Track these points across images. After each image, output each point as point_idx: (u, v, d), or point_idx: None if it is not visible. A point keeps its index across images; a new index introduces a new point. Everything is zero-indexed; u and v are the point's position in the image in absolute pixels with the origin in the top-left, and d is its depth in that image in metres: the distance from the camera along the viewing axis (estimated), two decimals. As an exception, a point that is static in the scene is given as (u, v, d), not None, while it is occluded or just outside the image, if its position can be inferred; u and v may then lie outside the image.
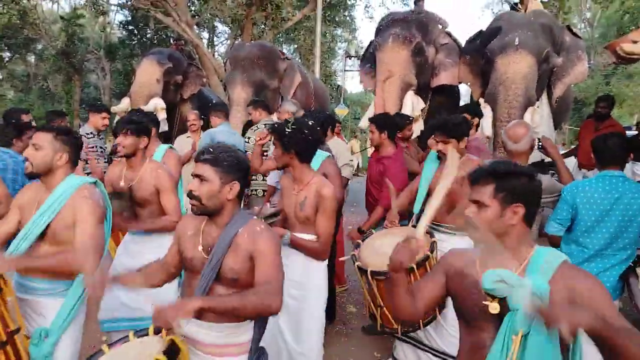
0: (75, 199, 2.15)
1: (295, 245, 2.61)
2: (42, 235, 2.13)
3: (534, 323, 1.36)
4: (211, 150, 1.80)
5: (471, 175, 1.56)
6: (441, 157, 3.08)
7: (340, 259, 3.24)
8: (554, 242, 2.73)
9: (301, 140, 2.55)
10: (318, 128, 2.72)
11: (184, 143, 5.34)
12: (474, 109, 4.25)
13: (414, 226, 2.98)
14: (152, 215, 2.90)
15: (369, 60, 6.51)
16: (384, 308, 2.60)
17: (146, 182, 2.89)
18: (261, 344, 1.88)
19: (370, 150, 11.91)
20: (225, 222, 1.82)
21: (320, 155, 3.42)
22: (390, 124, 3.85)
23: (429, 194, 3.13)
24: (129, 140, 2.90)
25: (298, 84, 7.08)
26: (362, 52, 17.50)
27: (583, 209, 2.58)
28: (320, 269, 2.73)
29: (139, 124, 2.97)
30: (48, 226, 2.12)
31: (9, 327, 2.01)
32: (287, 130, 2.55)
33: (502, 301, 1.44)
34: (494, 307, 1.45)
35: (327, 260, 2.76)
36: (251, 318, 1.79)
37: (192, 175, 1.80)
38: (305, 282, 2.65)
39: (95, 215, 2.15)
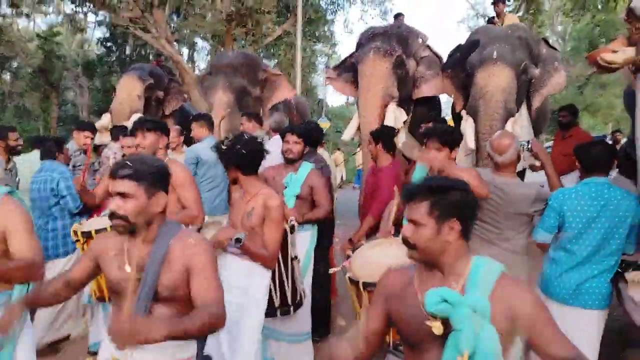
0: None
1: (245, 249, 2.63)
2: None
3: (480, 343, 1.34)
4: (129, 163, 1.69)
5: (405, 193, 1.53)
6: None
7: (331, 270, 3.21)
8: (543, 249, 2.75)
9: (237, 155, 2.65)
10: (259, 140, 2.81)
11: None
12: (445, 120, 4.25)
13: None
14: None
15: (348, 69, 6.55)
16: None
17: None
18: None
19: (356, 161, 11.74)
20: (152, 237, 1.73)
21: (305, 167, 3.43)
22: (385, 135, 3.91)
23: None
24: (149, 140, 2.88)
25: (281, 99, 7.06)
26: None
27: (570, 216, 2.61)
28: (264, 277, 2.76)
29: (157, 122, 2.96)
30: None
31: None
32: (222, 147, 2.69)
33: (445, 321, 1.39)
34: (438, 328, 1.40)
35: (270, 271, 2.79)
36: (198, 337, 1.73)
37: (112, 193, 1.69)
38: (248, 288, 2.68)
39: (26, 224, 2.03)
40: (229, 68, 6.57)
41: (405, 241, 1.50)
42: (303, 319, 3.29)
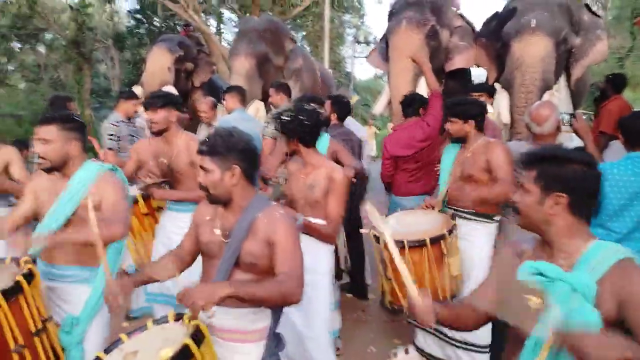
0: (96, 186, 2.14)
1: (306, 229, 2.58)
2: (67, 223, 2.12)
3: (573, 324, 1.24)
4: (207, 139, 1.78)
5: (523, 157, 1.49)
6: (451, 139, 3.05)
7: (361, 231, 3.23)
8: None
9: (300, 126, 2.56)
10: (320, 110, 2.71)
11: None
12: (486, 88, 4.16)
13: (440, 210, 2.97)
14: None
15: (382, 41, 6.40)
16: (393, 281, 2.60)
17: (183, 154, 2.94)
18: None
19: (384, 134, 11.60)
20: (242, 207, 1.81)
21: (325, 137, 3.38)
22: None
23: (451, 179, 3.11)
24: (160, 115, 2.91)
25: (304, 70, 6.91)
26: (371, 38, 17.25)
27: (611, 192, 2.52)
28: (328, 253, 2.74)
29: (166, 97, 2.98)
30: (72, 215, 2.11)
31: (43, 315, 2.01)
32: (284, 118, 2.57)
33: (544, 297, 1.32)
34: (535, 303, 1.33)
35: (333, 245, 2.78)
36: (272, 307, 1.78)
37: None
38: (316, 267, 2.64)
39: (119, 193, 2.16)
40: (253, 33, 6.45)
41: (513, 204, 1.49)
42: (335, 287, 3.32)
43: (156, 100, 2.94)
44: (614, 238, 2.53)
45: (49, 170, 2.15)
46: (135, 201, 3.17)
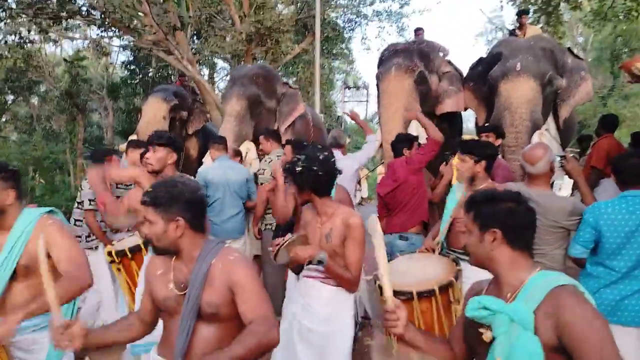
0: (39, 229, 2.09)
1: (329, 271, 2.47)
2: (13, 276, 2.07)
3: (515, 352, 1.34)
4: (150, 190, 1.74)
5: (464, 204, 1.64)
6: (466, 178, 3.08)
7: (363, 277, 3.19)
8: (580, 264, 2.69)
9: (314, 177, 2.48)
10: (332, 159, 2.65)
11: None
12: (498, 129, 4.24)
13: (441, 254, 2.96)
14: None
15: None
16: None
17: None
18: None
19: (378, 178, 11.63)
20: (193, 256, 1.75)
21: None
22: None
23: (451, 225, 3.12)
24: (159, 154, 2.89)
25: (298, 115, 7.05)
26: (360, 83, 17.68)
27: (607, 231, 2.54)
28: (348, 301, 2.62)
29: (169, 138, 2.96)
30: (17, 265, 2.06)
31: None
32: (297, 169, 2.49)
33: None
34: (487, 336, 1.44)
35: (354, 295, 2.66)
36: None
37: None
38: (332, 316, 2.54)
39: (67, 237, 2.11)
40: (245, 78, 6.63)
41: (464, 246, 1.66)
42: None
43: (158, 138, 2.93)
44: (615, 277, 2.54)
45: None
46: (138, 249, 3.14)
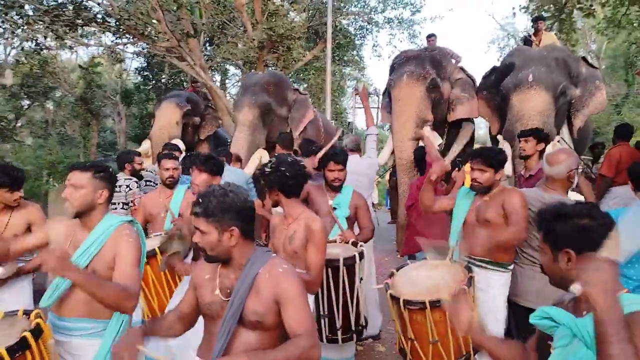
0: (115, 238, 2.15)
1: None
2: None
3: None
4: (200, 200, 1.73)
5: (536, 219, 1.58)
6: (475, 188, 3.06)
7: (373, 287, 3.19)
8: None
9: (280, 177, 2.61)
10: (301, 163, 2.77)
11: None
12: (541, 134, 4.12)
13: (454, 262, 2.94)
14: None
15: (386, 96, 6.58)
16: (415, 342, 2.54)
17: None
18: None
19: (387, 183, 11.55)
20: (241, 264, 1.78)
21: (348, 189, 3.45)
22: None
23: (464, 226, 3.10)
24: (203, 177, 3.01)
25: (309, 121, 7.10)
26: (371, 90, 17.74)
27: (624, 239, 2.51)
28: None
29: (215, 164, 3.07)
30: (87, 266, 2.11)
31: None
32: (266, 170, 2.63)
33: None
34: (553, 348, 1.40)
35: (314, 297, 2.74)
36: None
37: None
38: None
39: (134, 255, 2.15)
40: (256, 86, 6.68)
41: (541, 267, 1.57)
42: (350, 344, 3.25)
43: (204, 165, 3.06)
44: (632, 285, 2.51)
45: (74, 216, 2.16)
46: (154, 254, 3.16)
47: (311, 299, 2.72)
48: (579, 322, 1.34)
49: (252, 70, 10.26)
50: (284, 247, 2.67)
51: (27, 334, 1.86)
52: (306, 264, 2.61)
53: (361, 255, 2.97)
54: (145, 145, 6.96)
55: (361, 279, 3.02)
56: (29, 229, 3.12)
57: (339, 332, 2.96)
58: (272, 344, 1.67)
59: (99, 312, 2.09)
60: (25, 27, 9.77)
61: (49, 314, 2.19)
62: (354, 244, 3.16)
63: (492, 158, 2.95)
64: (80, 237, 2.18)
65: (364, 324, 3.07)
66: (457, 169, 4.79)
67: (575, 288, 1.26)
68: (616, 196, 4.76)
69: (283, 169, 2.63)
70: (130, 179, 4.89)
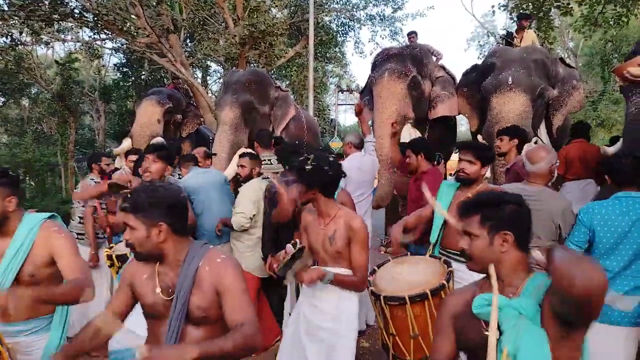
0: (44, 237, 2.11)
1: (337, 283, 2.58)
2: (16, 281, 2.08)
3: (523, 344, 1.37)
4: (130, 195, 1.72)
5: (459, 208, 1.61)
6: (461, 178, 3.11)
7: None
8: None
9: (323, 176, 2.56)
10: (339, 162, 2.75)
11: None
12: (512, 131, 4.21)
13: (432, 256, 2.98)
14: None
15: (367, 93, 6.61)
16: (396, 337, 2.58)
17: None
18: None
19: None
20: (179, 260, 1.75)
21: None
22: (426, 146, 4.08)
23: (445, 222, 3.14)
24: (157, 166, 2.91)
25: (291, 118, 7.08)
26: (353, 87, 17.75)
27: (601, 231, 2.59)
28: (353, 301, 2.71)
29: (169, 151, 3.05)
30: (20, 272, 2.08)
31: None
32: (307, 167, 2.55)
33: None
34: (492, 334, 1.44)
35: (359, 294, 2.74)
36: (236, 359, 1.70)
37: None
38: (339, 315, 2.63)
39: (71, 246, 2.13)
40: (237, 85, 6.64)
41: (463, 252, 1.61)
42: None
43: (158, 152, 3.06)
44: (608, 276, 2.58)
45: None
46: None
47: (355, 301, 2.70)
48: (520, 302, 1.44)
49: (234, 68, 10.17)
50: (324, 248, 2.64)
51: None
52: (352, 265, 2.60)
53: None
54: (126, 144, 6.86)
55: None
56: None
57: None
58: (221, 336, 1.64)
59: (41, 310, 2.12)
60: (0, 23, 9.53)
61: None
62: None
63: (481, 151, 3.04)
64: (3, 245, 2.11)
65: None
66: (436, 162, 4.85)
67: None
68: (569, 191, 5.08)
69: (326, 167, 2.57)
70: (98, 180, 4.85)
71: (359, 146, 4.98)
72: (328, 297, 2.66)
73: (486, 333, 1.46)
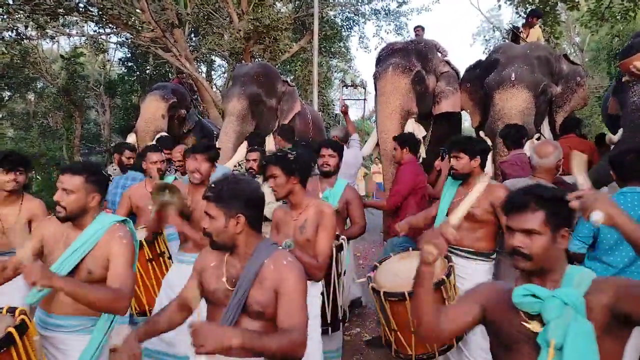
0: (107, 238, 2.15)
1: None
2: (71, 274, 2.11)
3: (570, 335, 1.35)
4: (213, 185, 1.78)
5: (513, 201, 1.52)
6: (453, 175, 3.11)
7: (357, 281, 3.23)
8: (578, 260, 2.72)
9: (305, 165, 2.63)
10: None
11: None
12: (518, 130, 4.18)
13: None
14: None
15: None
16: (398, 332, 2.60)
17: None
18: None
19: (376, 176, 11.73)
20: (247, 254, 1.80)
21: (341, 182, 3.49)
22: (413, 141, 4.23)
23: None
24: (206, 165, 3.04)
25: (297, 112, 7.10)
26: (358, 82, 17.70)
27: (605, 227, 2.57)
28: (317, 296, 2.73)
29: (216, 150, 3.12)
30: (78, 265, 2.11)
31: None
32: (290, 156, 2.62)
33: (541, 320, 1.44)
34: (536, 326, 1.44)
35: (321, 283, 2.77)
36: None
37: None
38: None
39: (127, 257, 2.15)
40: (245, 77, 6.70)
41: (516, 251, 1.50)
42: (337, 335, 3.29)
43: (207, 152, 3.10)
44: (612, 272, 2.57)
45: (63, 220, 2.15)
46: (140, 247, 3.16)
47: (317, 304, 2.73)
48: (565, 292, 1.41)
49: (242, 62, 10.18)
50: (295, 239, 2.66)
51: (12, 330, 1.87)
52: (315, 250, 2.61)
53: (339, 248, 2.98)
54: (131, 139, 6.88)
55: (342, 272, 3.03)
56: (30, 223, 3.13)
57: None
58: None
59: (87, 310, 2.09)
60: (5, 17, 9.56)
61: (37, 311, 2.20)
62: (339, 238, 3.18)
63: (465, 144, 3.02)
64: (72, 236, 2.17)
65: (341, 317, 3.09)
66: (440, 158, 4.85)
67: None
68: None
69: (306, 157, 2.67)
70: (116, 169, 4.88)
71: (344, 139, 5.08)
72: None
73: (526, 325, 1.45)
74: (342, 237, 3.11)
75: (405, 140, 4.22)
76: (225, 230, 1.76)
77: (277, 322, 1.71)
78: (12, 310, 2.05)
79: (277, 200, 2.84)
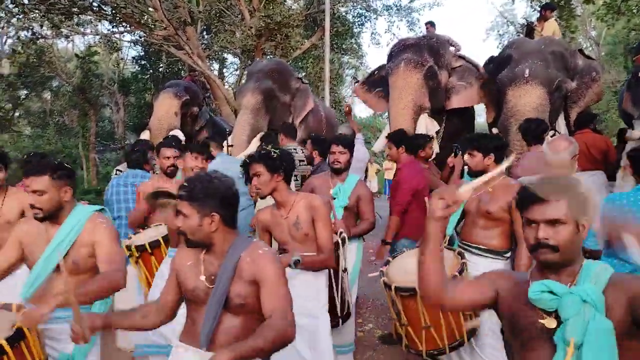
0: (90, 226, 2.20)
1: (306, 265, 2.61)
2: (57, 269, 2.14)
3: (589, 333, 1.32)
4: (186, 184, 1.77)
5: (534, 192, 1.44)
6: (468, 173, 3.08)
7: (369, 275, 3.23)
8: (594, 256, 2.68)
9: (289, 162, 2.64)
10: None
11: None
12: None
13: (447, 248, 2.96)
14: None
15: (377, 84, 6.58)
16: (408, 327, 2.60)
17: None
18: None
19: (387, 173, 11.69)
20: (224, 250, 1.80)
21: (353, 178, 3.48)
22: (407, 139, 4.10)
23: (462, 217, 3.12)
24: (202, 165, 3.12)
25: (310, 110, 7.12)
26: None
27: (622, 222, 2.53)
28: (324, 279, 2.78)
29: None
30: (64, 258, 2.14)
31: (42, 358, 2.02)
32: (273, 153, 2.62)
33: (558, 316, 1.41)
34: (551, 322, 1.41)
35: (326, 271, 2.79)
36: (271, 353, 1.73)
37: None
38: (317, 296, 2.69)
39: (113, 239, 2.22)
40: (260, 73, 6.79)
41: (540, 244, 1.43)
42: (349, 329, 3.29)
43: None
44: (629, 269, 2.53)
45: (42, 219, 2.18)
46: (158, 244, 3.19)
47: (324, 279, 2.76)
48: (584, 288, 1.37)
49: (253, 58, 10.21)
50: (291, 235, 2.68)
51: (22, 324, 1.92)
52: (318, 243, 2.64)
53: (342, 241, 2.98)
54: (145, 136, 6.94)
55: (345, 269, 3.03)
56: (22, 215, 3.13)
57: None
58: (257, 327, 1.69)
59: (80, 299, 2.12)
60: (21, 16, 9.70)
61: (27, 305, 2.18)
62: (338, 233, 3.15)
63: (477, 142, 2.98)
64: (52, 232, 2.21)
65: (348, 311, 3.10)
66: (453, 155, 4.81)
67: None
68: None
69: (287, 154, 2.68)
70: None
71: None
72: (304, 280, 2.65)
73: (542, 322, 1.41)
74: (341, 230, 3.09)
75: (400, 139, 4.06)
76: (199, 229, 1.75)
77: (262, 309, 1.72)
78: (8, 307, 2.07)
79: (262, 198, 2.85)
